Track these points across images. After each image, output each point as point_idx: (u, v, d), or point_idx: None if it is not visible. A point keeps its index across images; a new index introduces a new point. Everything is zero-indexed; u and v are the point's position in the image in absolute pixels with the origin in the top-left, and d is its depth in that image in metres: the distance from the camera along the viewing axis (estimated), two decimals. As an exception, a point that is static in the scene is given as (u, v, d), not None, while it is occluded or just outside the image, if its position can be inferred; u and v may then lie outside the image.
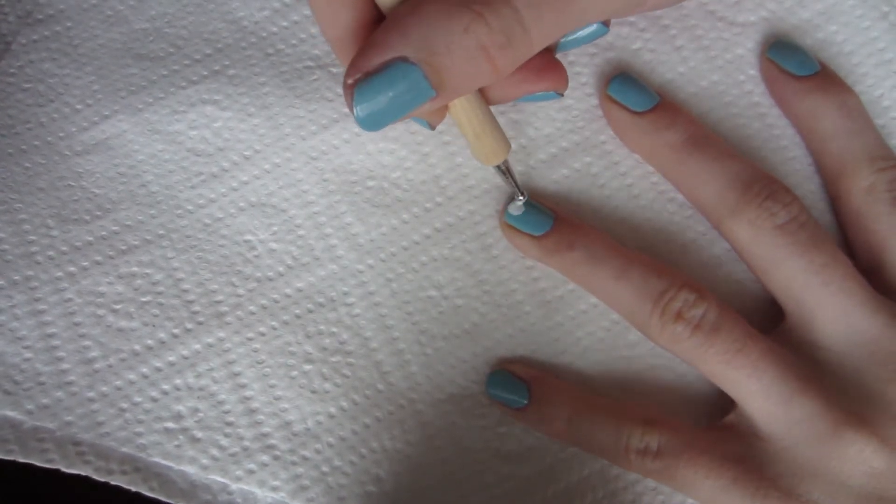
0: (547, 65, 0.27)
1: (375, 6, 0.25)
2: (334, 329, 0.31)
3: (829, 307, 0.28)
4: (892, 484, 0.26)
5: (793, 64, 0.31)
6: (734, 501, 0.27)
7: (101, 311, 0.32)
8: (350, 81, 0.23)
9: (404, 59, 0.23)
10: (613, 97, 0.32)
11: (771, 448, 0.28)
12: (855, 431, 0.26)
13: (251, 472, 0.30)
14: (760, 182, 0.29)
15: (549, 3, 0.23)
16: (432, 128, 0.29)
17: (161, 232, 0.33)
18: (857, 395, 0.27)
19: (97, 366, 0.31)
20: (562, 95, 0.28)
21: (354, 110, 0.23)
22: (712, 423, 0.30)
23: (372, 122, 0.24)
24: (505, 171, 0.29)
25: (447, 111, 0.28)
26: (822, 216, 0.31)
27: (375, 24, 0.25)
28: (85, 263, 0.32)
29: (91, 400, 0.31)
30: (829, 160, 0.31)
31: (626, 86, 0.32)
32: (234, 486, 0.30)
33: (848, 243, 0.31)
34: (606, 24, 0.29)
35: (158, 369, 0.31)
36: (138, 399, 0.31)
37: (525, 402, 0.30)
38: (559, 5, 0.23)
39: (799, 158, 0.32)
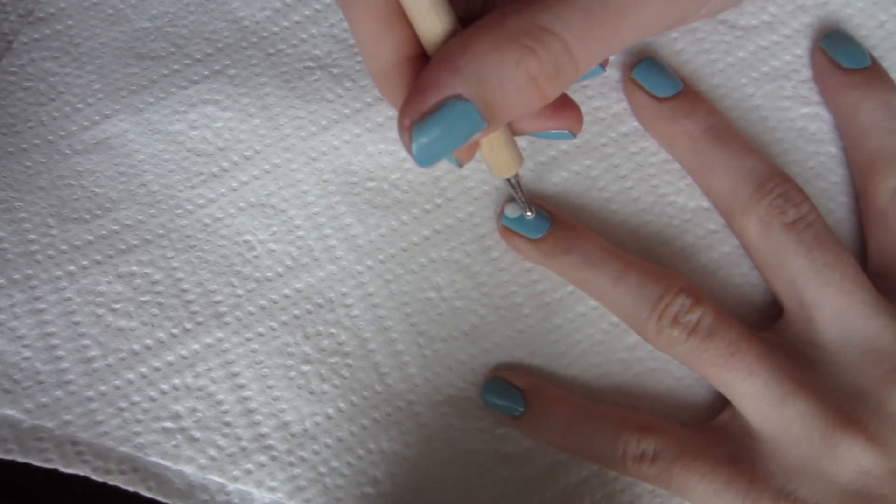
0: (565, 104, 0.27)
1: (418, 42, 0.25)
2: (333, 330, 0.31)
3: (828, 306, 0.28)
4: (880, 482, 0.27)
5: (842, 55, 0.32)
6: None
7: (100, 311, 0.32)
8: (407, 122, 0.24)
9: (459, 97, 0.23)
10: (637, 80, 0.32)
11: (764, 448, 0.28)
12: (844, 430, 0.27)
13: (249, 472, 0.30)
14: (774, 180, 0.29)
15: (595, 33, 0.23)
16: (461, 165, 0.29)
17: (161, 231, 0.33)
18: (849, 395, 0.28)
19: (96, 365, 0.31)
20: (575, 136, 0.28)
21: (412, 148, 0.24)
22: (707, 424, 0.30)
23: (428, 158, 0.24)
24: (515, 184, 0.29)
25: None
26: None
27: (417, 60, 0.25)
28: (84, 262, 0.32)
29: (90, 399, 0.31)
30: (862, 156, 0.31)
31: (650, 70, 0.32)
32: (231, 487, 0.30)
33: (866, 241, 0.31)
34: (603, 65, 0.29)
35: (157, 369, 0.31)
36: (137, 398, 0.31)
37: (521, 409, 0.30)
38: (605, 33, 0.24)
39: (799, 162, 0.32)
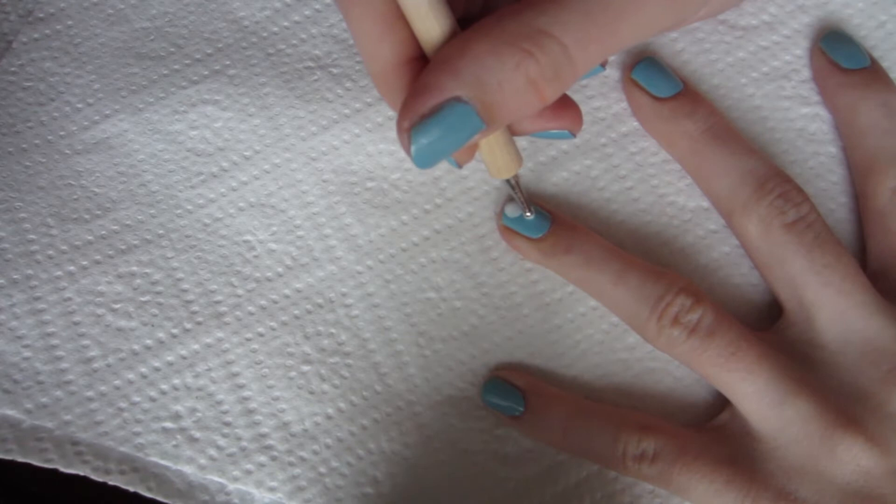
0: (565, 104, 0.28)
1: (417, 44, 0.25)
2: (333, 330, 0.31)
3: (827, 307, 0.28)
4: (879, 482, 0.27)
5: (841, 55, 0.32)
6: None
7: (100, 311, 0.32)
8: (406, 125, 0.24)
9: (458, 99, 0.23)
10: (637, 81, 0.32)
11: (764, 448, 0.28)
12: (844, 431, 0.27)
13: (249, 472, 0.30)
14: (774, 180, 0.29)
15: (593, 35, 0.24)
16: (460, 166, 0.29)
17: (161, 231, 0.33)
18: (849, 395, 0.28)
19: (96, 365, 0.31)
20: (575, 136, 0.29)
21: (412, 150, 0.24)
22: (707, 423, 0.30)
23: (427, 160, 0.24)
24: (514, 185, 0.29)
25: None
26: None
27: (416, 62, 0.25)
28: (84, 263, 0.32)
29: (90, 399, 0.31)
30: (861, 156, 0.31)
31: (650, 70, 0.32)
32: (231, 487, 0.30)
33: (865, 242, 0.31)
34: (602, 64, 0.29)
35: (157, 369, 0.31)
36: (137, 399, 0.31)
37: (521, 409, 0.30)
38: (603, 36, 0.24)
39: (799, 163, 0.32)
